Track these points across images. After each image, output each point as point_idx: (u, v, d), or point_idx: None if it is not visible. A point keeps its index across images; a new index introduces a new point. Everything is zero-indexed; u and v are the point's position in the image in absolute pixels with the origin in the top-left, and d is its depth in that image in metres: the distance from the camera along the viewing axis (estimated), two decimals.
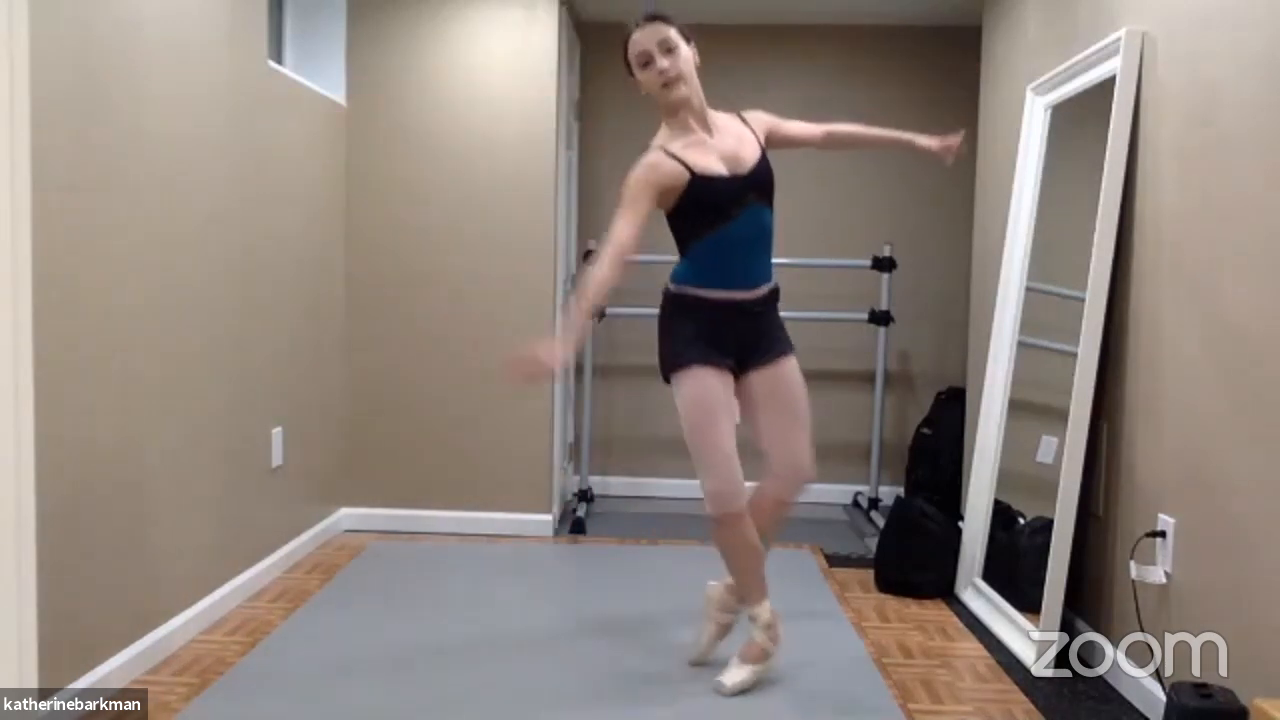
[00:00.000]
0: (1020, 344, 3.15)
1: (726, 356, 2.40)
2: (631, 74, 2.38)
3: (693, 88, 2.34)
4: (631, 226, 2.28)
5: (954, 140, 2.59)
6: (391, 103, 3.83)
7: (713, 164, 2.34)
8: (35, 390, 1.55)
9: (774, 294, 2.49)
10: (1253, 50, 2.04)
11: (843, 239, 4.55)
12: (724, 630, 2.60)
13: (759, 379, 2.45)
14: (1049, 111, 3.09)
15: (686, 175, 2.31)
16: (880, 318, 4.32)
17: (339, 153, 3.79)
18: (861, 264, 4.37)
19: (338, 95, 3.77)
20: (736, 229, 2.35)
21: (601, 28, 4.48)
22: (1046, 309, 3.06)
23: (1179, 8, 2.35)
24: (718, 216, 2.33)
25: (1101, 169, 2.56)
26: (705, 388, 2.37)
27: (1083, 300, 2.60)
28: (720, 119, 2.45)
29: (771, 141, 2.51)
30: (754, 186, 2.37)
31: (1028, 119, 3.19)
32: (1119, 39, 2.55)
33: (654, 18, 2.33)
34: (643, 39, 2.31)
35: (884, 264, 4.31)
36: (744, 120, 2.48)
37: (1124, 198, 2.55)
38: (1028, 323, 3.13)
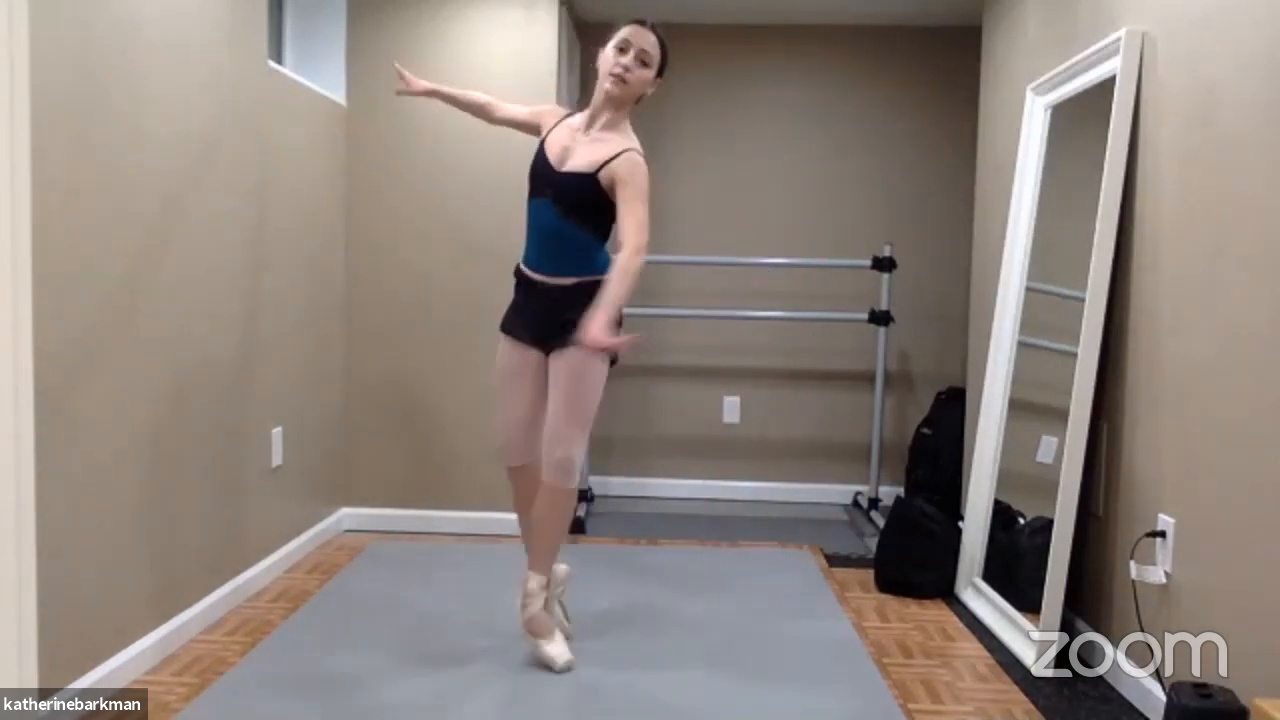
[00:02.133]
0: (1020, 344, 3.15)
1: (526, 330, 2.59)
2: (603, 46, 2.56)
3: (623, 97, 2.51)
4: (509, 108, 2.79)
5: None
6: (392, 103, 3.83)
7: (554, 148, 2.55)
8: (35, 390, 1.55)
9: (579, 288, 2.49)
10: (1253, 50, 2.04)
11: (843, 239, 4.56)
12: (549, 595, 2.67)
13: (550, 362, 2.56)
14: (1049, 111, 3.09)
15: (540, 138, 2.61)
16: (880, 318, 4.32)
17: (339, 153, 3.79)
18: (861, 264, 4.37)
19: (338, 95, 3.77)
20: (533, 211, 2.56)
21: (601, 28, 4.44)
22: (1046, 309, 3.06)
23: (1179, 8, 2.35)
24: (529, 186, 2.57)
25: (1101, 169, 2.56)
26: (500, 356, 2.66)
27: (1083, 300, 2.60)
28: (616, 137, 2.50)
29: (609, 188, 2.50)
30: (554, 185, 2.51)
31: (1028, 119, 3.19)
32: (1119, 39, 2.55)
33: (660, 36, 2.53)
34: (637, 35, 2.51)
35: (884, 264, 4.31)
36: (618, 153, 2.45)
37: (1124, 198, 2.55)
38: (1028, 323, 3.13)
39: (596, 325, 2.27)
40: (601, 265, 2.52)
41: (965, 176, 4.09)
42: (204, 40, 2.73)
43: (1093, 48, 2.72)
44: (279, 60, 3.66)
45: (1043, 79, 3.09)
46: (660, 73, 2.56)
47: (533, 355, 2.59)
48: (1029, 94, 3.19)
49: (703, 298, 4.60)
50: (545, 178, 2.53)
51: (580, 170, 2.46)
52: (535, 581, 2.58)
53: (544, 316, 2.54)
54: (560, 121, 2.62)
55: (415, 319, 3.88)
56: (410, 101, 3.83)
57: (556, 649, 2.56)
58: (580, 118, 2.59)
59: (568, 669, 2.53)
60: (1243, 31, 2.08)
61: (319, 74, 3.73)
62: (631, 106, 2.56)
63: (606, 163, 2.44)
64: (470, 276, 3.84)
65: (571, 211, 2.48)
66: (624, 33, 2.51)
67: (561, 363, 2.50)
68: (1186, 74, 2.31)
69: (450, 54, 3.82)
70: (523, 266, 2.61)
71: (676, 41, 4.41)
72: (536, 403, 2.59)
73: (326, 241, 3.71)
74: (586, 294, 2.45)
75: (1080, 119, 2.89)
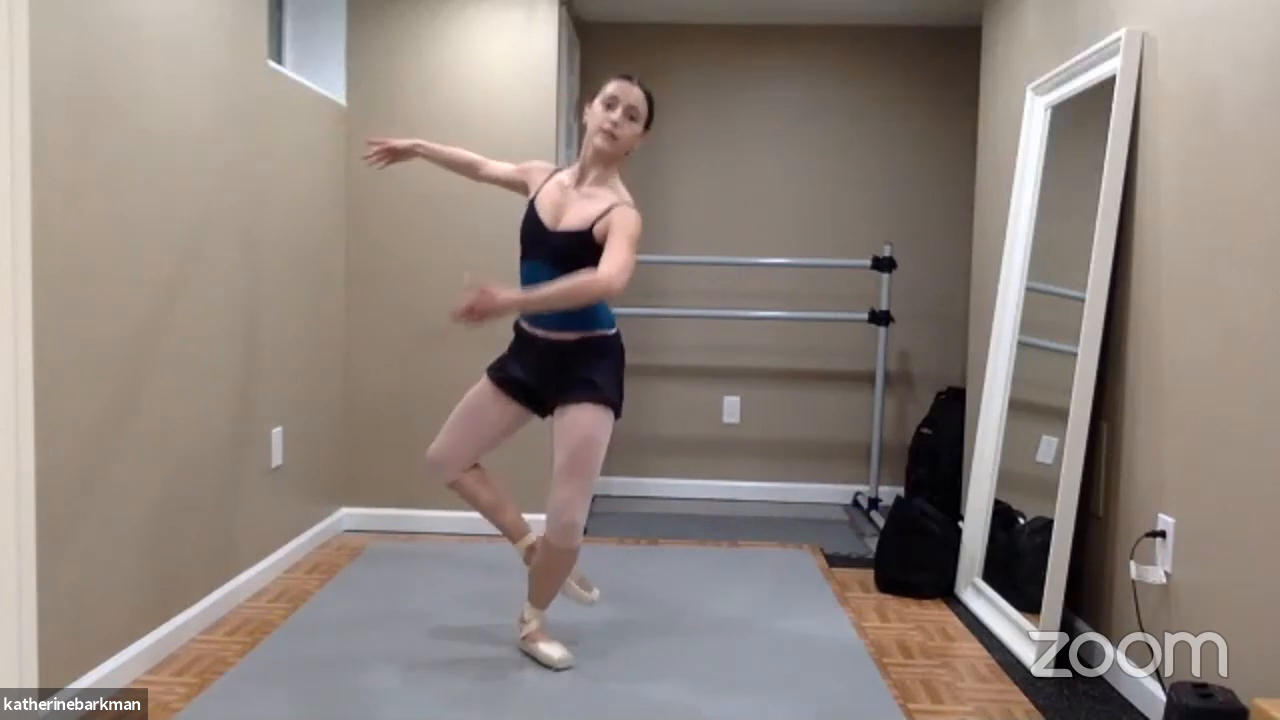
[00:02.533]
0: (1020, 344, 3.15)
1: (519, 379, 2.57)
2: (594, 97, 2.53)
3: (614, 153, 2.50)
4: (496, 166, 2.77)
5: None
6: (392, 103, 3.83)
7: (546, 205, 2.53)
8: (35, 390, 1.55)
9: (584, 343, 2.49)
10: (1253, 50, 2.04)
11: (843, 239, 4.56)
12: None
13: (555, 416, 2.53)
14: (1049, 111, 3.09)
15: (530, 196, 2.58)
16: (880, 318, 4.32)
17: (339, 153, 3.79)
18: (861, 264, 4.37)
19: (338, 95, 3.77)
20: (528, 269, 2.52)
21: (601, 28, 4.48)
22: (1046, 309, 3.06)
23: (1179, 8, 2.35)
24: (521, 248, 2.55)
25: (1101, 169, 2.56)
26: (475, 395, 2.64)
27: (1083, 300, 2.60)
28: (606, 192, 2.48)
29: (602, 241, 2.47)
30: (545, 245, 2.49)
31: (1028, 119, 3.19)
32: (1119, 39, 2.55)
33: (648, 92, 2.51)
34: (624, 91, 2.48)
35: (884, 264, 4.31)
36: (610, 207, 2.43)
37: (1124, 198, 2.55)
38: (1028, 323, 3.13)
39: (499, 291, 2.22)
40: (605, 319, 2.51)
41: (965, 176, 4.09)
42: (204, 40, 2.73)
43: (1093, 48, 2.72)
44: (279, 60, 3.66)
45: (1043, 79, 3.09)
46: (647, 126, 2.54)
47: (512, 410, 2.59)
48: (1029, 94, 3.19)
49: (703, 298, 4.60)
50: (538, 239, 2.50)
51: (574, 229, 2.44)
52: (531, 613, 2.64)
53: (547, 371, 2.51)
54: (549, 178, 2.59)
55: (415, 318, 3.87)
56: (410, 102, 3.85)
57: (554, 649, 2.57)
58: (569, 173, 2.56)
59: (566, 667, 2.54)
60: (1243, 31, 2.08)
61: (319, 74, 3.73)
62: (621, 160, 2.54)
63: (600, 217, 2.41)
64: None
65: (568, 271, 2.39)
66: (610, 88, 2.48)
67: (570, 421, 2.46)
68: (1186, 74, 2.31)
69: (450, 54, 3.82)
70: (522, 322, 2.59)
71: (677, 41, 4.42)
72: (486, 447, 2.65)
73: (326, 241, 3.71)
74: (592, 348, 2.47)
75: (1080, 119, 2.89)
